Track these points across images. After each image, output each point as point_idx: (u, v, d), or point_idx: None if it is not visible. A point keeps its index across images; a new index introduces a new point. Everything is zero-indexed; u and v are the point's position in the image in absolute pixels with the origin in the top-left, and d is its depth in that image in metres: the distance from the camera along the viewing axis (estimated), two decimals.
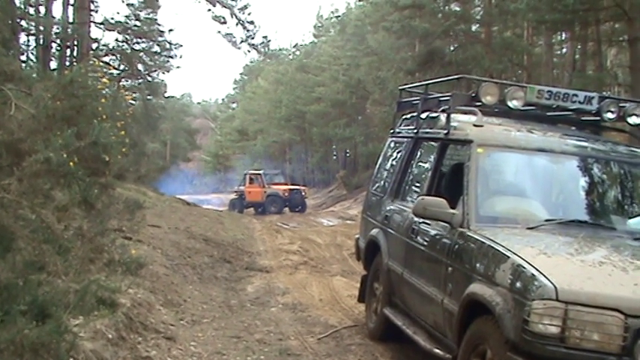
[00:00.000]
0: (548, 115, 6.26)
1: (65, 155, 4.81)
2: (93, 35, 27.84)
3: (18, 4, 21.93)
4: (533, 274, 4.00)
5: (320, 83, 52.18)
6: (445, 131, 5.92)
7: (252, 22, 29.26)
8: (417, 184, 6.62)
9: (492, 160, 5.48)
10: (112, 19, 29.19)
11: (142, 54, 33.25)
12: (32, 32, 25.75)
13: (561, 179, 5.69)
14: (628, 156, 5.76)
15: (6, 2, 14.38)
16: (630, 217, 5.48)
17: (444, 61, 27.11)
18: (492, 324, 4.23)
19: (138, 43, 32.40)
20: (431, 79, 7.76)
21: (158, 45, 33.25)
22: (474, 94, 5.94)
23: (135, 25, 31.09)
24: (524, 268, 4.11)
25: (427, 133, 6.56)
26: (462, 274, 4.81)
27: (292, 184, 40.42)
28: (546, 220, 5.04)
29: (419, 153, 6.82)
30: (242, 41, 29.85)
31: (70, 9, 25.76)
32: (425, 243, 5.70)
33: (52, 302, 4.44)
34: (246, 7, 28.75)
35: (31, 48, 26.77)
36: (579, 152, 5.63)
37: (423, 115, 6.70)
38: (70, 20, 25.48)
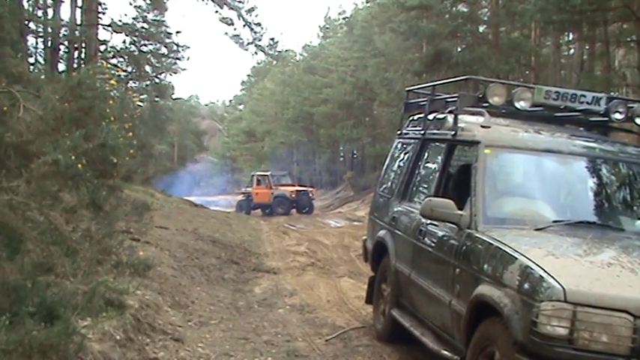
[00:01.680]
0: (556, 116, 6.25)
1: (73, 157, 4.82)
2: (101, 37, 27.92)
3: (26, 7, 22.05)
4: (541, 276, 3.99)
5: (327, 85, 52.18)
6: (452, 132, 5.91)
7: (259, 24, 29.35)
8: (425, 186, 6.61)
9: (500, 161, 5.46)
10: (120, 21, 29.22)
11: (149, 56, 33.27)
12: (40, 34, 25.84)
13: (569, 180, 5.67)
14: (636, 157, 5.74)
15: (14, 4, 14.44)
16: (639, 218, 5.46)
17: (451, 62, 27.03)
18: (500, 325, 4.22)
19: (145, 45, 32.43)
20: (438, 80, 7.74)
21: (165, 47, 33.28)
22: (481, 95, 5.93)
23: (142, 27, 31.14)
24: (532, 269, 4.10)
25: (434, 134, 6.55)
26: (470, 275, 4.80)
27: (299, 186, 40.37)
28: (554, 222, 5.03)
29: (426, 154, 6.81)
30: (249, 43, 29.92)
31: (78, 11, 25.86)
32: (432, 244, 5.69)
33: (61, 304, 4.45)
34: (253, 8, 28.87)
35: (39, 50, 26.88)
36: (587, 153, 5.61)
37: (431, 117, 6.70)
38: (78, 22, 25.56)
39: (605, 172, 5.70)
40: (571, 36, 27.90)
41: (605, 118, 6.08)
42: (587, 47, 25.23)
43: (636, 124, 6.01)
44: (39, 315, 4.25)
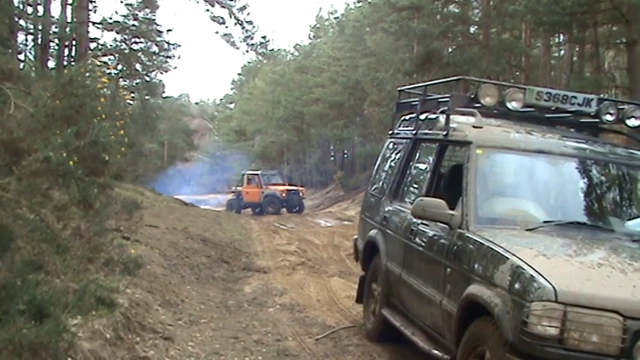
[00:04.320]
0: (547, 117, 6.28)
1: (65, 154, 4.80)
2: (91, 35, 27.80)
3: (16, 4, 21.92)
4: (532, 276, 4.01)
5: (318, 84, 52.19)
6: (444, 132, 5.92)
7: (250, 22, 29.26)
8: (416, 185, 6.63)
9: (491, 161, 5.48)
10: (111, 18, 29.16)
11: (140, 54, 33.21)
12: (30, 31, 25.72)
13: (560, 181, 5.69)
14: (626, 158, 5.77)
15: (4, 1, 14.37)
16: (629, 219, 5.50)
17: (442, 63, 27.07)
18: (491, 325, 4.24)
19: (136, 43, 32.39)
20: (429, 81, 7.75)
21: (156, 45, 33.21)
22: (473, 96, 5.95)
23: (133, 25, 31.03)
24: (523, 269, 4.11)
25: (426, 134, 6.57)
26: (461, 275, 4.82)
27: (290, 185, 40.35)
28: (545, 222, 5.05)
29: (418, 154, 6.82)
30: (240, 41, 29.84)
31: (69, 8, 25.75)
32: (423, 244, 5.70)
33: (51, 302, 4.43)
34: (244, 7, 28.74)
35: (29, 47, 26.74)
36: (578, 154, 5.64)
37: (422, 117, 6.71)
38: (69, 20, 25.44)
39: (595, 173, 5.72)
40: (561, 37, 28.03)
41: (596, 120, 6.11)
42: (577, 49, 25.38)
43: (626, 125, 6.05)
44: (29, 313, 4.23)
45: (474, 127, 5.61)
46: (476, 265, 4.64)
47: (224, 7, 28.41)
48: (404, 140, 7.17)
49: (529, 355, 3.90)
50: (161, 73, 37.23)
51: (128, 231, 9.25)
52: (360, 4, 47.57)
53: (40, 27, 24.44)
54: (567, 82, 22.60)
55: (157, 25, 32.81)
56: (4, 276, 4.39)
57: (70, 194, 5.26)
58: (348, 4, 56.99)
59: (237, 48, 30.40)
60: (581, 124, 6.44)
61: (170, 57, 33.86)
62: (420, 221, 5.71)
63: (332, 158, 59.74)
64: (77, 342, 4.53)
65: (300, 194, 38.06)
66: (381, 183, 7.56)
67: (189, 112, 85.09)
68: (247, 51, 31.52)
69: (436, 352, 5.22)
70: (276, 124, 60.21)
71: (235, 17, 28.66)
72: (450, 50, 30.27)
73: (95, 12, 28.58)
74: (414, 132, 6.81)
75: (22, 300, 4.29)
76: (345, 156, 57.27)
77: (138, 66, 34.19)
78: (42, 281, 4.83)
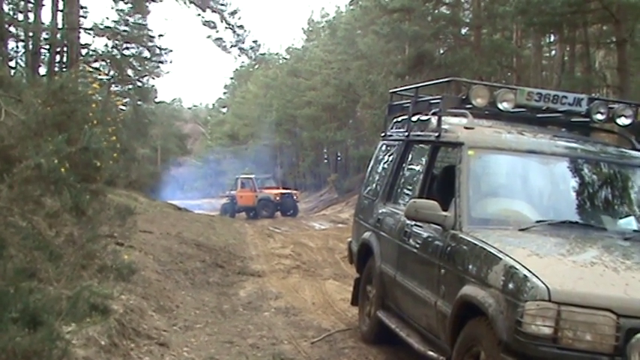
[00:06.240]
0: (538, 117, 6.30)
1: (56, 161, 4.79)
2: (82, 41, 27.76)
3: (6, 10, 21.87)
4: (525, 276, 4.02)
5: (310, 87, 52.25)
6: (436, 134, 5.93)
7: (241, 27, 29.25)
8: (409, 187, 6.63)
9: (483, 162, 5.49)
10: (102, 24, 29.11)
11: (131, 59, 33.19)
12: (21, 38, 25.64)
13: (552, 180, 5.70)
14: (617, 157, 5.79)
15: None
16: (620, 218, 5.51)
17: (434, 64, 27.11)
18: (485, 325, 4.25)
19: (128, 48, 32.39)
20: (421, 82, 7.76)
21: (148, 50, 33.22)
22: (464, 97, 5.96)
23: (124, 31, 31.04)
24: (516, 269, 4.12)
25: (418, 135, 6.57)
26: (455, 276, 4.82)
27: (284, 188, 40.41)
28: (537, 222, 5.06)
29: (410, 156, 6.83)
30: (232, 46, 29.84)
31: (59, 14, 25.68)
32: (417, 245, 5.70)
33: (44, 309, 4.42)
34: (236, 11, 28.75)
35: (19, 54, 26.65)
36: (569, 153, 5.65)
37: (414, 118, 6.71)
38: (59, 26, 25.38)
39: (587, 172, 5.74)
40: (552, 38, 28.12)
41: (587, 119, 6.13)
42: (567, 49, 25.43)
43: (617, 124, 6.07)
44: (22, 321, 4.22)
45: (466, 128, 5.62)
46: (469, 266, 4.64)
47: (215, 11, 28.41)
48: (396, 142, 7.17)
49: (523, 354, 3.91)
50: (153, 78, 37.34)
51: (122, 237, 9.21)
52: (351, 6, 47.65)
53: (30, 34, 24.38)
54: (558, 82, 22.68)
55: (149, 30, 32.92)
56: None
57: (62, 201, 5.24)
58: (339, 7, 57.18)
59: (229, 52, 30.44)
60: (572, 123, 6.46)
61: (162, 62, 33.94)
62: (413, 223, 5.72)
63: (325, 161, 59.79)
64: (71, 349, 4.52)
65: (294, 197, 38.11)
66: (374, 185, 7.56)
67: (182, 117, 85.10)
68: (239, 55, 31.54)
69: (431, 353, 5.22)
70: (269, 128, 60.23)
71: (226, 22, 28.66)
72: (441, 52, 30.36)
73: (86, 18, 28.58)
74: (407, 134, 6.82)
75: (16, 308, 4.28)
76: (339, 159, 57.34)
77: (130, 71, 34.16)
78: (35, 289, 4.82)
